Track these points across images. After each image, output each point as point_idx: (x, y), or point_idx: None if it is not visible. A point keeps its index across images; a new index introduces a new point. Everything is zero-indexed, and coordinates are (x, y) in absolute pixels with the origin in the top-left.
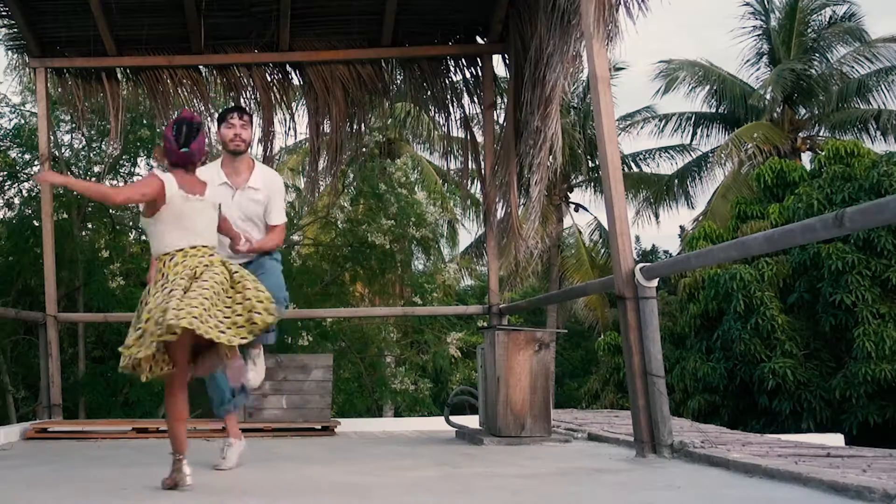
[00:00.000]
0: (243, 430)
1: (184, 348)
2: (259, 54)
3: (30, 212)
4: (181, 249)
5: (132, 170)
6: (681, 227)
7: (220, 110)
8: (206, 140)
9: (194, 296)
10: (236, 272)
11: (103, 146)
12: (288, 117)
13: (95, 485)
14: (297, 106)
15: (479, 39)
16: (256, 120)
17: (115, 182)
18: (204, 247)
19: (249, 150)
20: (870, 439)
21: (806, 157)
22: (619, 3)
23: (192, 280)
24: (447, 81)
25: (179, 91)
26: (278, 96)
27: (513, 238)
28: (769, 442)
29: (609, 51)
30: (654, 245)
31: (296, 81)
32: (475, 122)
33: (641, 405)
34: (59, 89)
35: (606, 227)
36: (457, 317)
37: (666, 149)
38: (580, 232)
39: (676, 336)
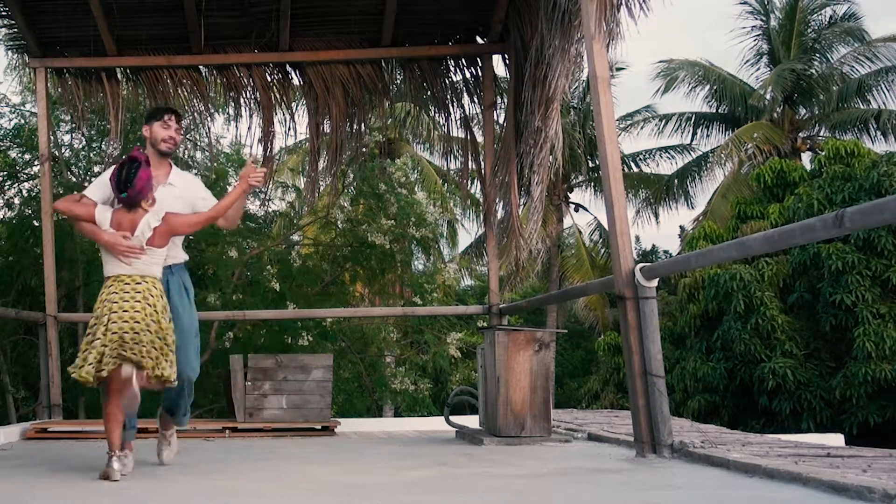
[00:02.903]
0: (244, 431)
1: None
2: (259, 54)
3: (30, 212)
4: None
5: None
6: (681, 227)
7: (153, 107)
8: (149, 178)
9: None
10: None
11: (103, 146)
12: (288, 117)
13: (95, 484)
14: (297, 106)
15: (479, 39)
16: (256, 120)
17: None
18: (129, 276)
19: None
20: (870, 439)
21: (806, 157)
22: (621, 3)
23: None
24: (447, 81)
25: (179, 91)
26: (278, 96)
27: (513, 238)
28: (769, 442)
29: (610, 51)
30: (654, 245)
31: (296, 81)
32: (475, 122)
33: (641, 405)
34: (59, 89)
35: (606, 227)
36: (457, 317)
37: (666, 149)
38: (580, 232)
39: (676, 336)
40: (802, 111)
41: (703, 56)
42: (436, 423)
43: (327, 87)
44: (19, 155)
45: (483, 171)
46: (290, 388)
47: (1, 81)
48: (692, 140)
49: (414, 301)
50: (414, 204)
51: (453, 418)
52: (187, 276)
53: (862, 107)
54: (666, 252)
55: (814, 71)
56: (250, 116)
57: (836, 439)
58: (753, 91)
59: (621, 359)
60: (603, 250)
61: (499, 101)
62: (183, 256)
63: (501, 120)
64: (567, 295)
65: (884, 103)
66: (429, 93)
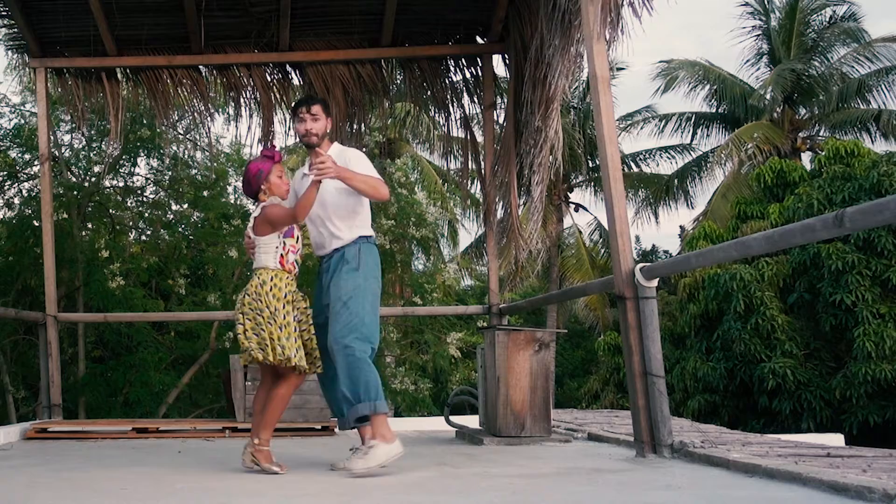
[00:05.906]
0: (244, 431)
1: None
2: (259, 54)
3: (30, 212)
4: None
5: (132, 170)
6: (681, 227)
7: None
8: (258, 172)
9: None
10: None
11: (103, 146)
12: (288, 117)
13: (95, 484)
14: None
15: (479, 39)
16: (256, 119)
17: (115, 182)
18: (252, 270)
19: (327, 136)
20: (870, 439)
21: (806, 157)
22: (623, 3)
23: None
24: (447, 81)
25: (179, 91)
26: (278, 96)
27: (513, 238)
28: (769, 442)
29: (611, 51)
30: (654, 245)
31: (296, 81)
32: (475, 122)
33: (641, 405)
34: (59, 89)
35: (606, 227)
36: (457, 317)
37: (666, 149)
38: (580, 232)
39: (676, 336)
40: (802, 111)
41: (703, 56)
42: (436, 423)
43: (327, 87)
44: (19, 155)
45: (483, 171)
46: None
47: (1, 81)
48: (692, 140)
49: (414, 301)
50: (414, 204)
51: (453, 418)
52: (354, 250)
53: (862, 107)
54: (666, 252)
55: (814, 71)
56: (250, 116)
57: (836, 439)
58: (753, 91)
59: (621, 359)
60: (603, 250)
61: (499, 101)
62: (349, 236)
63: (501, 120)
64: (567, 295)
65: (884, 103)
66: (429, 93)
